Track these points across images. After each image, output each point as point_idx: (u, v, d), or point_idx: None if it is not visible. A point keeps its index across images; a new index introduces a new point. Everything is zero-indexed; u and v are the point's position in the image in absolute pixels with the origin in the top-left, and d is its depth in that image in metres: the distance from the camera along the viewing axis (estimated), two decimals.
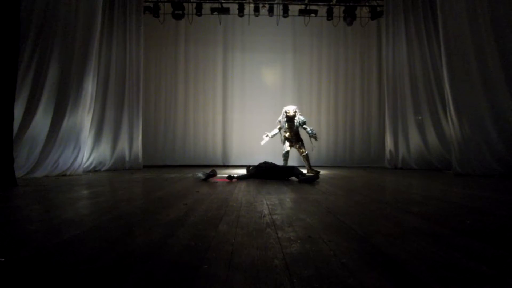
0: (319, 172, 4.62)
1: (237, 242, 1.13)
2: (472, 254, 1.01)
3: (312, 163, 7.30)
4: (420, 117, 6.48)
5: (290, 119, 4.96)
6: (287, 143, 5.04)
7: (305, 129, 4.98)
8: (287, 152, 5.07)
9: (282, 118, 5.04)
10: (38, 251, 1.06)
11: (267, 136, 5.11)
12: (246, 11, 7.05)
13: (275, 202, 2.05)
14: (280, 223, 1.43)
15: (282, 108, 5.44)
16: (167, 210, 1.77)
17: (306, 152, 5.02)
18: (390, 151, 6.67)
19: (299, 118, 4.99)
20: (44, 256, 1.01)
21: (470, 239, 1.18)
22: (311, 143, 4.93)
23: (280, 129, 5.10)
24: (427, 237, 1.20)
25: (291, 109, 5.02)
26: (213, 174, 3.75)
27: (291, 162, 5.88)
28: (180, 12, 6.96)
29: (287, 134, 5.04)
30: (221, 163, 7.38)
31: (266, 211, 1.71)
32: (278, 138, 5.22)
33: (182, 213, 1.66)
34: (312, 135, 4.93)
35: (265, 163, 4.02)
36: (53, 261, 0.96)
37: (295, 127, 5.01)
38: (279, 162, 4.83)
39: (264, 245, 1.10)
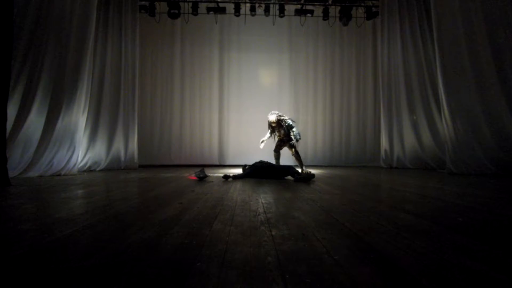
0: (310, 172, 4.56)
1: (231, 240, 1.13)
2: (463, 251, 1.02)
3: (308, 163, 7.36)
4: (414, 117, 6.54)
5: (273, 129, 4.94)
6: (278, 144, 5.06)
7: (291, 132, 4.93)
8: (279, 153, 5.10)
9: (268, 128, 5.00)
10: (30, 249, 1.05)
11: (262, 142, 5.11)
12: (242, 11, 7.05)
13: (270, 201, 2.06)
14: (275, 221, 1.43)
15: (277, 108, 5.44)
16: (162, 209, 1.76)
17: (296, 151, 5.04)
18: (385, 150, 6.71)
19: (285, 122, 4.89)
20: (36, 254, 1.00)
21: (461, 236, 1.19)
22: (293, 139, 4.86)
23: (271, 133, 5.07)
24: (420, 235, 1.21)
25: (272, 118, 4.90)
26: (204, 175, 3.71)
27: (288, 161, 5.90)
28: (176, 11, 6.94)
29: (278, 137, 5.05)
30: (217, 163, 7.37)
31: (261, 210, 1.72)
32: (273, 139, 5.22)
33: (177, 212, 1.66)
34: (295, 138, 4.85)
35: (261, 162, 4.03)
36: (45, 259, 0.96)
37: (283, 130, 4.97)
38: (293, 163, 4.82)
39: (257, 243, 1.10)
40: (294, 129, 4.88)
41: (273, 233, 1.23)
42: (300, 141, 5.01)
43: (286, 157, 5.73)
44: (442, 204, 2.00)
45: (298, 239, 1.14)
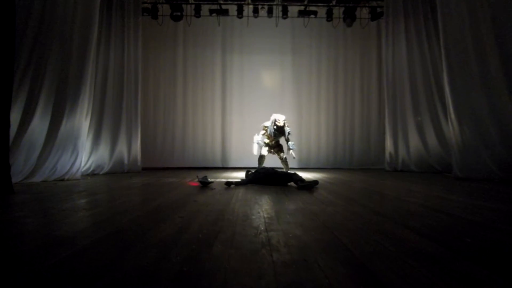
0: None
1: (231, 268, 1.11)
2: (470, 281, 0.99)
3: (312, 166, 7.32)
4: (419, 118, 6.46)
5: (279, 129, 4.96)
6: (265, 148, 5.09)
7: (287, 140, 4.99)
8: (263, 156, 5.15)
9: (271, 126, 5.00)
10: (33, 273, 1.04)
11: (258, 143, 5.11)
12: (245, 13, 7.02)
13: (271, 215, 2.03)
14: (276, 242, 1.41)
15: (280, 110, 5.40)
16: (162, 224, 1.75)
17: (285, 156, 5.10)
18: (390, 153, 6.65)
19: (286, 129, 4.98)
20: (39, 280, 0.99)
21: (469, 263, 1.16)
22: (291, 154, 4.96)
23: (263, 134, 5.10)
24: (424, 260, 1.18)
25: (281, 119, 4.98)
26: (207, 182, 3.69)
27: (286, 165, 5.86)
28: (179, 13, 6.93)
29: (268, 141, 5.08)
30: (220, 166, 7.37)
31: (262, 227, 1.69)
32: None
33: (177, 229, 1.64)
34: (292, 149, 4.93)
35: (264, 168, 4.00)
36: (49, 286, 0.95)
37: (279, 136, 5.02)
38: (278, 167, 4.81)
39: (258, 271, 1.08)
40: (289, 138, 4.99)
41: (274, 258, 1.20)
42: (298, 144, 5.08)
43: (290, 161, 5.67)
44: (448, 219, 1.95)
45: (299, 267, 1.11)
